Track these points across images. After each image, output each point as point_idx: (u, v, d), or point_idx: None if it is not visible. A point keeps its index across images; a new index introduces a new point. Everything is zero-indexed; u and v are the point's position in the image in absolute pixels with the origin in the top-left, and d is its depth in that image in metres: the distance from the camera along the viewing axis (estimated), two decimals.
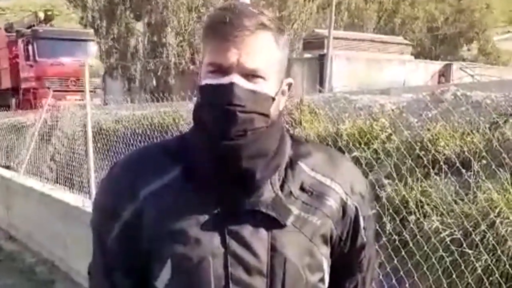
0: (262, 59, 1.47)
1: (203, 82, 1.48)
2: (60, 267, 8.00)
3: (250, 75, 1.45)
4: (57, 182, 10.00)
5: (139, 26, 33.26)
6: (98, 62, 26.31)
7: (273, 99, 1.49)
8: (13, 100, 25.77)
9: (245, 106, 1.43)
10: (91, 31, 29.16)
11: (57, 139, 11.39)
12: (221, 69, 1.45)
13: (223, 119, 1.42)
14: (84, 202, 7.48)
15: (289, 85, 1.58)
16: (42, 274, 8.00)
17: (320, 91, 10.05)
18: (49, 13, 29.02)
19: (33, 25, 26.15)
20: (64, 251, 7.84)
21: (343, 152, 4.93)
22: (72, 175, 9.56)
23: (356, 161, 4.91)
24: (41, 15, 27.67)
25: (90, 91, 23.04)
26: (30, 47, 24.65)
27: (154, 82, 31.73)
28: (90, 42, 26.48)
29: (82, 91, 22.87)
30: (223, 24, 1.45)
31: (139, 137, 8.36)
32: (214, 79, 1.46)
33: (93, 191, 7.35)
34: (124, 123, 10.10)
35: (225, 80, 1.44)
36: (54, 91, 21.82)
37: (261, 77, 1.46)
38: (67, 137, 10.74)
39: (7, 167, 12.35)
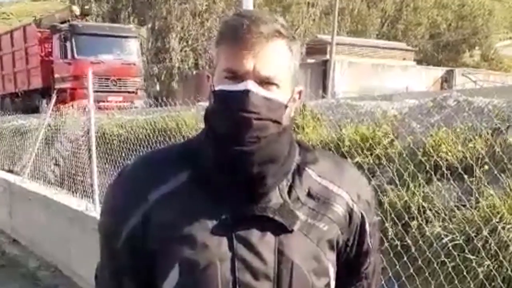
0: (277, 66, 1.48)
1: (218, 88, 1.49)
2: (63, 271, 8.00)
3: (265, 82, 1.46)
4: (60, 187, 10.00)
5: (143, 32, 33.23)
6: (140, 60, 24.58)
7: (286, 106, 1.51)
8: (43, 102, 22.77)
9: (259, 113, 1.44)
10: (132, 26, 27.15)
11: (61, 143, 11.39)
12: (237, 75, 1.46)
13: (238, 126, 1.43)
14: (88, 207, 7.49)
15: (300, 92, 1.59)
16: (45, 279, 8.00)
17: (323, 97, 10.05)
18: (86, 7, 26.77)
19: (68, 21, 23.66)
20: (67, 255, 7.84)
21: (346, 158, 4.94)
22: (76, 179, 9.56)
23: (359, 166, 4.92)
24: (76, 9, 25.07)
25: (132, 92, 21.85)
26: (68, 44, 22.38)
27: (158, 87, 31.67)
28: (132, 39, 24.23)
29: (124, 91, 22.02)
30: (240, 30, 1.46)
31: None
32: (228, 85, 1.46)
33: (97, 195, 7.36)
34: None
35: (240, 86, 1.45)
36: (94, 91, 21.36)
37: (275, 84, 1.47)
38: (71, 141, 10.75)
39: (11, 171, 12.35)
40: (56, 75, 23.07)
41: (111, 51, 22.68)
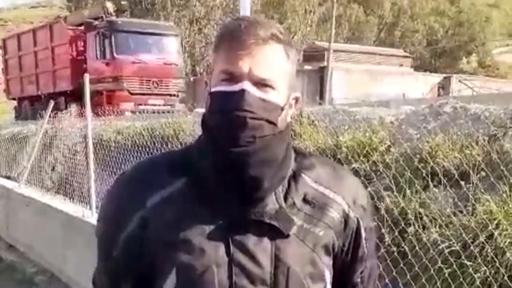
0: (273, 69, 1.50)
1: (214, 89, 1.51)
2: (60, 277, 8.00)
3: (261, 84, 1.48)
4: (57, 193, 10.00)
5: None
6: (181, 61, 22.38)
7: (282, 109, 1.52)
8: (73, 106, 20.06)
9: (255, 112, 1.46)
10: (172, 24, 25.35)
11: (58, 149, 11.39)
12: (233, 77, 1.48)
13: (233, 125, 1.45)
14: (84, 213, 7.50)
15: (296, 99, 1.61)
16: (42, 284, 8.00)
17: (320, 103, 10.07)
18: (123, 2, 23.76)
19: (100, 18, 21.28)
20: (64, 261, 7.84)
21: (342, 164, 4.95)
22: (73, 185, 9.56)
23: (355, 173, 4.93)
24: (110, 5, 22.23)
25: (172, 95, 20.34)
26: (106, 42, 20.18)
27: None
28: (174, 37, 22.04)
29: (166, 94, 20.49)
30: (237, 33, 1.49)
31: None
32: (225, 86, 1.48)
33: (94, 201, 7.37)
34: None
35: (236, 87, 1.47)
36: (134, 94, 19.44)
37: (271, 86, 1.49)
38: (68, 147, 10.75)
39: (8, 177, 12.34)
40: (90, 76, 20.18)
41: (152, 50, 20.91)
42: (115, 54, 20.02)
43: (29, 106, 23.61)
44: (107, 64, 20.16)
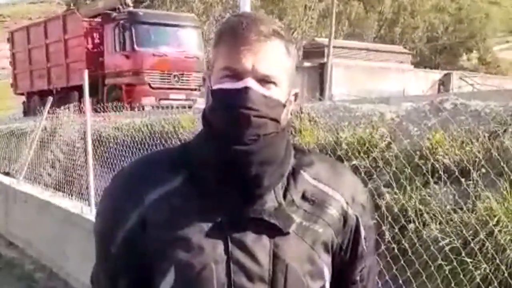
0: (276, 65, 1.49)
1: (216, 87, 1.49)
2: (59, 274, 8.00)
3: (264, 81, 1.47)
4: (56, 189, 10.00)
5: None
6: (203, 54, 21.15)
7: (284, 105, 1.51)
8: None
9: (259, 110, 1.44)
10: (194, 15, 24.09)
11: (57, 145, 11.39)
12: (235, 74, 1.46)
13: (237, 123, 1.44)
14: (83, 209, 7.49)
15: (296, 94, 1.60)
16: (41, 281, 8.00)
17: (320, 100, 10.07)
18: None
19: (117, 9, 20.45)
20: (63, 258, 7.84)
21: (342, 161, 4.94)
22: (72, 182, 9.56)
23: (355, 169, 4.92)
24: None
25: (193, 89, 19.65)
26: (127, 34, 19.23)
27: None
28: (195, 29, 21.02)
29: (187, 88, 19.53)
30: (239, 29, 1.47)
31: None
32: (227, 83, 1.47)
33: (92, 198, 7.36)
34: None
35: (239, 84, 1.45)
36: (155, 88, 18.87)
37: (274, 83, 1.48)
38: (67, 144, 10.75)
39: (7, 174, 12.34)
40: (107, 70, 20.14)
41: (173, 42, 19.94)
42: (135, 47, 19.22)
43: (39, 101, 21.43)
44: (127, 57, 19.40)
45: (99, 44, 20.75)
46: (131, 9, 20.70)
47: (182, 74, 19.31)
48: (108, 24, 20.11)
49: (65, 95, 19.90)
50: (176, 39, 20.11)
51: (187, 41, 20.24)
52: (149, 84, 18.91)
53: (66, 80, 21.27)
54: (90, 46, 20.87)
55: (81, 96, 19.53)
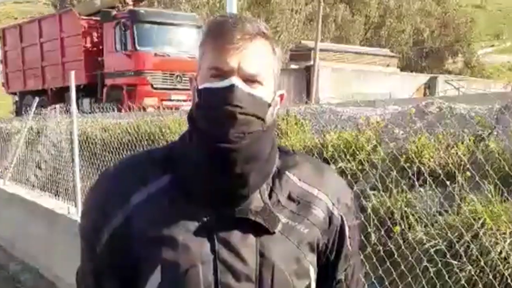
0: (261, 65, 1.50)
1: (202, 86, 1.50)
2: (45, 274, 7.97)
3: (249, 80, 1.48)
4: (43, 190, 9.95)
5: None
6: None
7: (269, 105, 1.53)
8: (85, 101, 19.40)
9: (244, 107, 1.45)
10: (195, 14, 23.26)
11: (43, 146, 11.33)
12: (221, 73, 1.47)
13: (223, 120, 1.45)
14: (70, 210, 7.46)
15: (281, 96, 1.61)
16: (27, 282, 7.97)
17: (306, 102, 10.09)
18: None
19: (116, 7, 19.93)
20: (49, 258, 7.81)
21: (329, 163, 4.95)
22: (58, 182, 9.52)
23: (342, 172, 4.94)
24: None
25: None
26: (128, 33, 18.53)
27: None
28: (197, 29, 19.74)
29: (189, 89, 19.81)
30: (225, 29, 1.48)
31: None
32: (213, 82, 1.48)
33: (79, 198, 7.34)
34: None
35: (225, 82, 1.46)
36: (156, 88, 18.34)
37: (259, 82, 1.50)
38: (54, 144, 10.70)
39: None
40: (106, 70, 19.45)
41: (176, 42, 19.28)
42: (137, 46, 18.60)
43: (32, 101, 21.15)
44: (128, 56, 18.71)
45: (98, 43, 20.16)
46: (131, 7, 20.06)
47: (184, 75, 18.39)
48: (107, 23, 19.46)
49: (61, 95, 19.00)
50: (178, 39, 19.50)
51: (189, 41, 19.20)
52: (151, 85, 18.46)
53: (62, 80, 19.95)
54: (88, 45, 20.30)
55: (77, 96, 19.41)
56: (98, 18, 20.27)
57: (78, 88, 18.83)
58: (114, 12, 19.50)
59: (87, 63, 19.60)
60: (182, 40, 19.41)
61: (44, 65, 21.86)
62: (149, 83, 18.46)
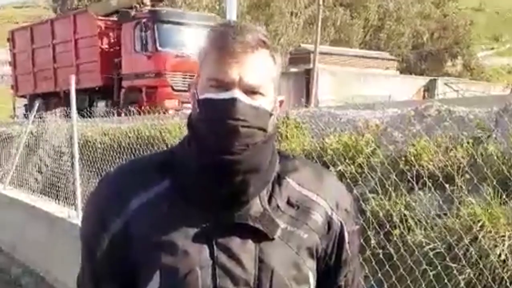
0: (262, 76, 1.50)
1: (203, 96, 1.50)
2: (46, 278, 7.97)
3: (250, 92, 1.48)
4: (43, 194, 9.95)
5: None
6: None
7: (271, 114, 1.53)
8: (100, 104, 19.01)
9: (247, 121, 1.45)
10: (215, 15, 22.50)
11: (43, 150, 11.33)
12: (222, 84, 1.47)
13: (225, 133, 1.44)
14: (70, 214, 7.47)
15: (281, 102, 1.61)
16: (28, 286, 7.97)
17: (305, 106, 10.08)
18: None
19: (134, 7, 19.23)
20: (49, 262, 7.81)
21: (328, 167, 4.96)
22: (58, 186, 9.52)
23: (341, 175, 4.94)
24: None
25: None
26: (149, 33, 17.96)
27: None
28: None
29: None
30: (225, 39, 1.48)
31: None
32: (214, 93, 1.48)
33: (79, 202, 7.34)
34: None
35: (227, 95, 1.46)
36: (177, 90, 17.77)
37: (260, 93, 1.50)
38: (54, 148, 10.70)
39: None
40: (124, 71, 18.80)
41: (195, 43, 16.14)
42: (158, 47, 17.99)
43: (43, 104, 19.26)
44: (148, 57, 18.10)
45: (114, 44, 19.57)
46: (150, 7, 19.47)
47: None
48: (127, 23, 18.81)
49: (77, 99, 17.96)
50: (197, 40, 18.21)
51: None
52: (172, 87, 17.83)
53: (77, 82, 19.15)
54: (104, 46, 19.66)
55: (93, 99, 19.01)
56: (115, 19, 19.92)
57: (93, 90, 19.08)
58: (133, 12, 18.97)
59: (103, 64, 19.12)
60: (201, 41, 18.79)
61: (57, 67, 21.24)
62: (169, 85, 17.92)
